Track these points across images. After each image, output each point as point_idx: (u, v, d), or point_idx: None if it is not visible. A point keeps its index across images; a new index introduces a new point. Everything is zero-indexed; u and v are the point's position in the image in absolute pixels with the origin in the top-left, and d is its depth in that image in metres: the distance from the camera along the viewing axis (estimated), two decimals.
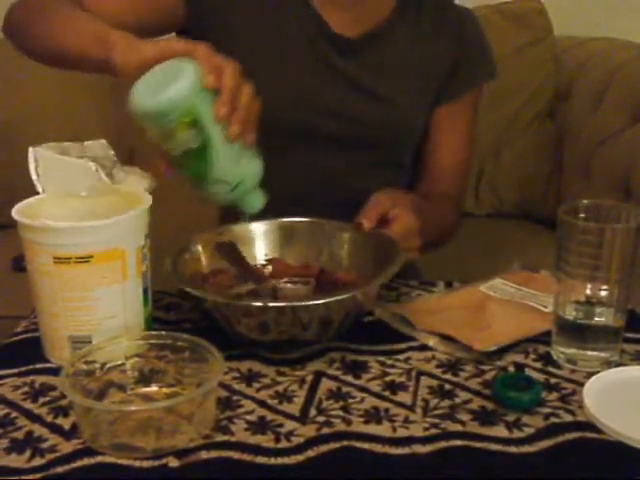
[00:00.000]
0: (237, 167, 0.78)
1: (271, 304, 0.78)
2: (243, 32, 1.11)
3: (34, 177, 0.82)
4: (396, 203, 0.94)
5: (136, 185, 0.84)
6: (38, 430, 0.70)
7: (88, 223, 0.77)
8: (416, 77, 1.17)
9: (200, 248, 0.92)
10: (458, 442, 0.68)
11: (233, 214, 1.25)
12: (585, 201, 0.79)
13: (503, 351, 0.82)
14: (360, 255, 0.92)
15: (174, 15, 1.10)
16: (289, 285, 0.91)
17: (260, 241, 0.95)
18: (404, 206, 0.94)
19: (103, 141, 0.85)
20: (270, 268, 0.94)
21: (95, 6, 1.01)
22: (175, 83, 0.73)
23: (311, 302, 0.79)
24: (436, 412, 0.73)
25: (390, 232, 0.91)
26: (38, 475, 0.64)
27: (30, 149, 0.82)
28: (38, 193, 0.83)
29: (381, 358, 0.82)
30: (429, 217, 1.00)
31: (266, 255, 0.95)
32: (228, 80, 0.77)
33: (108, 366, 0.74)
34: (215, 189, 0.79)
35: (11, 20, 1.05)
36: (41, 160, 0.82)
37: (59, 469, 0.65)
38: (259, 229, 0.95)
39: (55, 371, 0.77)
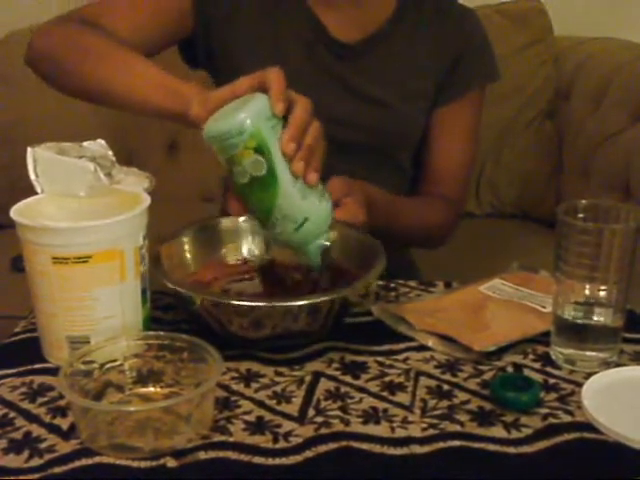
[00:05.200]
0: (302, 203, 0.77)
1: (258, 304, 0.77)
2: (244, 39, 1.12)
3: (33, 177, 0.82)
4: (350, 192, 0.94)
5: (135, 185, 0.83)
6: (36, 430, 0.70)
7: (87, 223, 0.76)
8: (415, 80, 1.17)
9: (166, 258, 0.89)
10: (456, 442, 0.68)
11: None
12: (584, 201, 0.79)
13: (502, 351, 0.82)
14: (343, 255, 0.90)
15: (183, 27, 1.11)
16: (236, 284, 0.90)
17: (246, 238, 0.94)
18: (356, 197, 0.94)
19: (102, 141, 0.85)
20: (210, 272, 0.92)
21: (111, 25, 1.02)
22: (243, 108, 0.75)
23: (292, 303, 0.77)
24: (434, 412, 0.73)
25: None
26: (36, 475, 0.64)
27: (29, 149, 0.82)
28: (37, 193, 0.83)
29: (380, 358, 0.82)
30: (396, 213, 0.99)
31: (250, 251, 0.93)
32: (298, 114, 0.77)
33: (106, 366, 0.74)
34: (280, 227, 0.78)
35: (39, 53, 1.03)
36: (40, 160, 0.82)
37: (57, 469, 0.65)
38: (246, 225, 0.94)
39: (53, 371, 0.76)
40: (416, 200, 1.17)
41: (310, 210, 0.78)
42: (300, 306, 0.77)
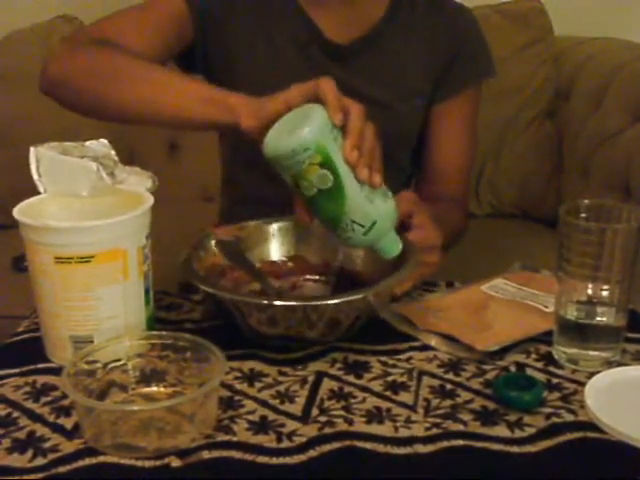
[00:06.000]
0: (369, 208, 0.78)
1: (276, 303, 0.78)
2: (239, 40, 1.12)
3: (35, 177, 0.82)
4: (419, 211, 0.92)
5: (137, 185, 0.84)
6: (40, 430, 0.70)
7: (89, 223, 0.77)
8: (410, 79, 1.17)
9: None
10: (460, 442, 0.68)
11: (232, 214, 1.26)
12: (586, 201, 0.80)
13: (504, 351, 0.82)
14: (376, 256, 0.91)
15: (184, 37, 1.11)
16: (310, 283, 0.92)
17: (277, 239, 0.95)
18: (429, 216, 0.92)
19: (104, 141, 0.85)
20: (291, 264, 0.95)
21: (121, 43, 1.01)
22: (305, 124, 0.75)
23: (320, 302, 0.79)
24: (438, 412, 0.73)
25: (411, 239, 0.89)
26: (40, 475, 0.64)
27: (31, 149, 0.82)
28: (39, 193, 0.83)
29: (383, 358, 0.82)
30: (444, 226, 0.97)
31: (288, 252, 0.95)
32: (355, 121, 0.77)
33: (110, 366, 0.74)
34: (349, 232, 0.79)
35: (60, 80, 1.01)
36: (42, 160, 0.82)
37: (61, 469, 0.65)
38: (276, 227, 0.95)
39: (57, 371, 0.76)
40: (442, 206, 1.15)
41: (377, 212, 0.78)
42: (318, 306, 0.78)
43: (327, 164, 0.75)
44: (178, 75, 0.94)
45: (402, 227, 0.90)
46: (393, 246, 0.81)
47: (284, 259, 0.95)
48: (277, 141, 0.76)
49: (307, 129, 0.74)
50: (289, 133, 0.76)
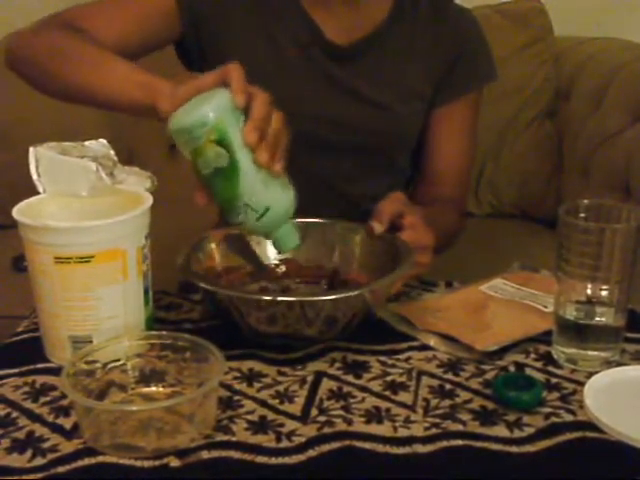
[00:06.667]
0: (264, 193, 0.78)
1: (279, 298, 0.78)
2: (241, 43, 1.11)
3: (35, 177, 0.83)
4: (410, 211, 0.93)
5: (137, 185, 0.84)
6: (39, 430, 0.70)
7: (89, 223, 0.77)
8: (411, 81, 1.16)
9: (214, 245, 0.92)
10: (459, 442, 0.68)
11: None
12: (586, 201, 0.80)
13: (504, 351, 0.82)
14: (372, 256, 0.92)
15: (170, 29, 1.11)
16: (301, 286, 0.92)
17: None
18: (420, 217, 0.93)
19: (104, 141, 0.85)
20: (283, 268, 0.95)
21: (95, 29, 1.02)
22: (206, 102, 0.77)
23: (318, 298, 0.79)
24: (437, 412, 0.73)
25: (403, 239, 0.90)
26: (39, 475, 0.64)
27: (31, 149, 0.82)
28: (39, 193, 0.83)
29: (382, 358, 0.82)
30: (437, 227, 0.97)
31: (282, 255, 0.95)
32: (259, 106, 0.78)
33: (109, 366, 0.74)
34: (243, 216, 0.79)
35: (22, 57, 1.04)
36: (42, 160, 0.82)
37: (60, 469, 0.65)
38: None
39: (56, 371, 0.76)
40: (437, 208, 1.16)
41: (272, 199, 0.79)
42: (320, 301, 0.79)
43: (224, 141, 0.76)
44: (118, 60, 0.95)
45: (393, 228, 0.91)
46: (289, 239, 0.82)
47: (277, 262, 0.95)
48: (179, 117, 0.78)
49: (207, 106, 0.76)
50: (191, 110, 0.77)
